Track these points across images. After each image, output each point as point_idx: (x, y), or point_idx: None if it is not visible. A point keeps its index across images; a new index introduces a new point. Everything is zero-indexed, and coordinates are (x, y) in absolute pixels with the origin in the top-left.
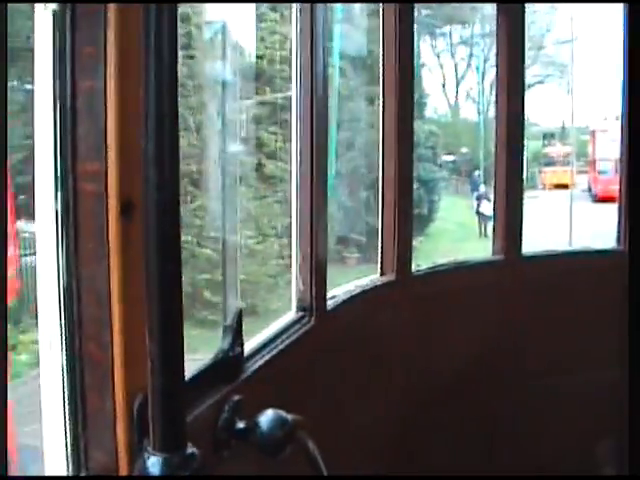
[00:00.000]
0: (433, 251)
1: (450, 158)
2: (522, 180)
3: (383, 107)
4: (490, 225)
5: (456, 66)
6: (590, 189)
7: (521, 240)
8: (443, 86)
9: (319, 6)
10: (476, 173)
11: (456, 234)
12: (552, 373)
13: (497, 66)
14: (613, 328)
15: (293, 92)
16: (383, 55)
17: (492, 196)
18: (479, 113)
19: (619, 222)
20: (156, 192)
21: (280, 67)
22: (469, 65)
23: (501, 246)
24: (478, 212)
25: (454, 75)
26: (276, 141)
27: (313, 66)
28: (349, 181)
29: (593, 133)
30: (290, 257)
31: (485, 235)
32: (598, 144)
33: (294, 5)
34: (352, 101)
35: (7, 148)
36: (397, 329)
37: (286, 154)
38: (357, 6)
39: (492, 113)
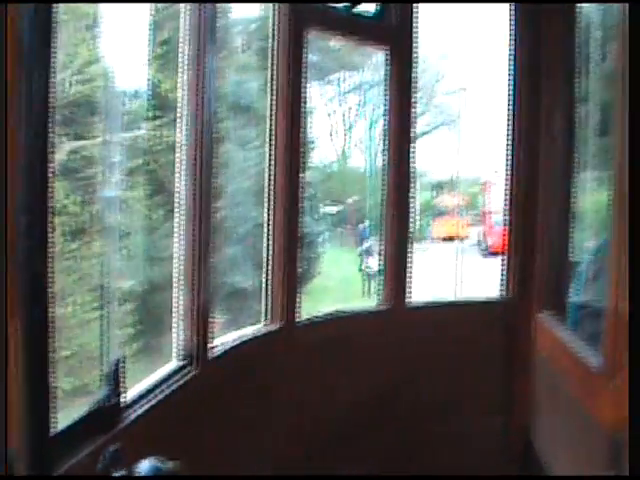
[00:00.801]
0: (312, 313)
1: (335, 209)
2: (409, 230)
3: (272, 156)
4: (373, 283)
5: (346, 113)
6: (480, 242)
7: (407, 290)
8: (332, 134)
9: (210, 51)
10: (361, 225)
11: (339, 293)
12: (436, 419)
13: (387, 114)
14: (497, 375)
15: (178, 139)
16: (271, 101)
17: (378, 250)
18: (368, 162)
19: (504, 272)
20: (26, 239)
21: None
22: (359, 113)
23: (388, 295)
24: (363, 269)
25: (343, 122)
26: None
27: (200, 115)
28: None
29: (485, 185)
30: (136, 325)
31: (369, 294)
32: (491, 196)
33: (183, 51)
34: (223, 145)
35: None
36: (283, 377)
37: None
38: (237, 41)
39: (381, 162)
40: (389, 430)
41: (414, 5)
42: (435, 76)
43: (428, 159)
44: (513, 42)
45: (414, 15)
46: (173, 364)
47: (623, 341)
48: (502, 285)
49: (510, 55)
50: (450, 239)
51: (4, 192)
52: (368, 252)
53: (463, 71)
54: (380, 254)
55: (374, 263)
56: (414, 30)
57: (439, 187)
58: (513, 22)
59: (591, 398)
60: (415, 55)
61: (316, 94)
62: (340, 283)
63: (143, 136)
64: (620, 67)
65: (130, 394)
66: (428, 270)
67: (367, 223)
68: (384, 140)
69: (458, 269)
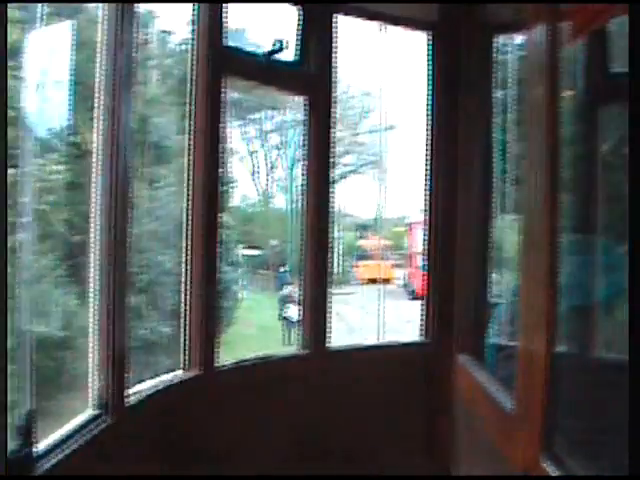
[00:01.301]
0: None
1: (255, 252)
2: (329, 274)
3: (190, 198)
4: (294, 331)
5: (267, 153)
6: (407, 284)
7: (327, 334)
8: (254, 174)
9: (126, 99)
10: (282, 269)
11: (258, 341)
12: (358, 462)
13: (306, 155)
14: (418, 417)
15: (94, 186)
16: (192, 141)
17: (298, 297)
18: (289, 203)
19: (423, 315)
20: None
21: None
22: (280, 153)
23: (308, 340)
24: (283, 317)
25: (265, 163)
26: None
27: (115, 162)
28: None
29: (411, 226)
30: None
31: (290, 343)
32: (416, 237)
33: (97, 94)
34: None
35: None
36: (203, 423)
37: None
38: (152, 74)
39: (301, 204)
40: (312, 473)
41: (333, 52)
42: (360, 113)
43: (352, 199)
44: (430, 84)
45: (332, 62)
46: (88, 413)
47: (534, 383)
48: (422, 328)
49: (428, 97)
50: (375, 282)
51: None
52: (288, 299)
53: (389, 108)
54: (300, 298)
55: (294, 311)
56: (332, 78)
57: (363, 228)
58: (431, 65)
59: (505, 440)
60: (334, 103)
61: (238, 133)
62: (260, 331)
63: (31, 172)
64: (532, 108)
65: (44, 444)
66: (353, 313)
67: (288, 267)
68: (304, 183)
69: (382, 312)
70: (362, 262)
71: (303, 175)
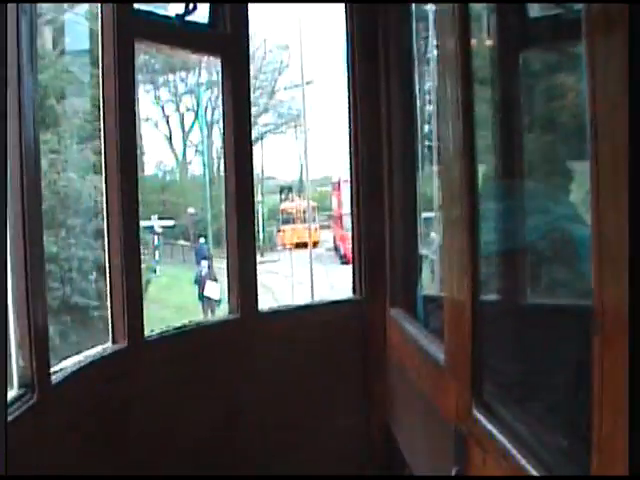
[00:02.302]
0: None
1: (169, 223)
2: (255, 238)
3: (105, 178)
4: (217, 311)
5: (182, 117)
6: (337, 248)
7: (256, 296)
8: (170, 139)
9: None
10: (202, 240)
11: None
12: (296, 423)
13: (223, 117)
14: (354, 375)
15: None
16: (104, 111)
17: (223, 264)
18: (206, 168)
19: (354, 272)
20: None
21: None
22: (197, 116)
23: (237, 304)
24: (202, 296)
25: (180, 127)
26: None
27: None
28: None
29: (337, 185)
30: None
31: None
32: (344, 197)
33: None
34: None
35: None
36: (134, 396)
37: None
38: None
39: (217, 168)
40: (250, 438)
41: (247, 11)
42: (277, 69)
43: (274, 161)
44: (349, 42)
45: (246, 22)
46: (12, 393)
47: (461, 332)
48: (353, 285)
49: (346, 54)
50: (302, 246)
51: None
52: (206, 277)
53: (308, 63)
54: (226, 263)
55: (214, 289)
56: (246, 38)
57: (287, 190)
58: (348, 22)
59: (438, 391)
60: (249, 62)
61: (150, 98)
62: (177, 312)
63: None
64: (445, 60)
65: None
66: (280, 284)
67: (207, 239)
68: (223, 146)
69: (313, 277)
70: (287, 226)
71: (222, 138)
